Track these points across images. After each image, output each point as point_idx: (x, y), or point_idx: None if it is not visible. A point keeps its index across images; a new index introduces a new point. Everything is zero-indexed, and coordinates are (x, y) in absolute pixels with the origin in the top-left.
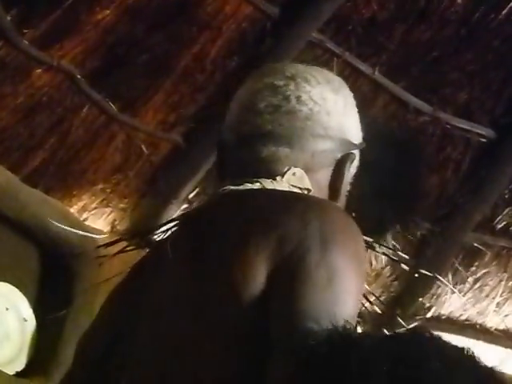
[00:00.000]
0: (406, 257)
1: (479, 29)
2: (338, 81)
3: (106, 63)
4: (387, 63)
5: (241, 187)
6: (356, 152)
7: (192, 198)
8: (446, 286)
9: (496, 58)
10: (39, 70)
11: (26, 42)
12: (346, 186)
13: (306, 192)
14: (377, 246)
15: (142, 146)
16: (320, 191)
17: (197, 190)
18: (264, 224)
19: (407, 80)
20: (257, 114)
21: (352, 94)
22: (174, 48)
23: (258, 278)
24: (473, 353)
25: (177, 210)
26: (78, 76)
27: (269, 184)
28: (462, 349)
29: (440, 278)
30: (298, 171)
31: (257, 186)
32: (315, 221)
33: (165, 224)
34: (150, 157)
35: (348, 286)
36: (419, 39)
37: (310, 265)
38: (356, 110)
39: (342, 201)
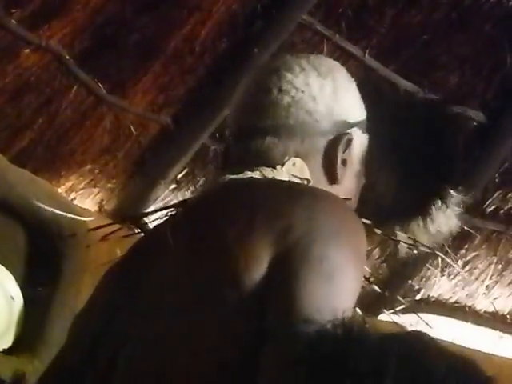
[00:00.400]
0: (407, 237)
1: (470, 12)
2: (327, 65)
3: (95, 44)
4: (377, 46)
5: (240, 175)
6: (354, 131)
7: (180, 178)
8: (437, 267)
9: (487, 41)
10: (27, 51)
11: (14, 22)
12: (348, 169)
13: (305, 182)
14: (375, 228)
15: (131, 127)
16: (318, 179)
17: (185, 170)
18: (269, 212)
19: (397, 63)
20: (245, 110)
21: (347, 75)
22: (164, 29)
23: (260, 263)
24: (473, 360)
25: (165, 190)
26: (67, 56)
27: (269, 173)
28: (462, 355)
29: (440, 254)
30: (298, 162)
31: (257, 174)
32: (322, 214)
33: (161, 210)
34: (139, 138)
35: (347, 282)
36: (410, 22)
37: (313, 258)
38: (353, 89)
39: (347, 184)
